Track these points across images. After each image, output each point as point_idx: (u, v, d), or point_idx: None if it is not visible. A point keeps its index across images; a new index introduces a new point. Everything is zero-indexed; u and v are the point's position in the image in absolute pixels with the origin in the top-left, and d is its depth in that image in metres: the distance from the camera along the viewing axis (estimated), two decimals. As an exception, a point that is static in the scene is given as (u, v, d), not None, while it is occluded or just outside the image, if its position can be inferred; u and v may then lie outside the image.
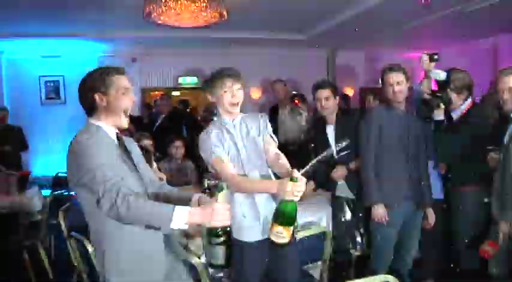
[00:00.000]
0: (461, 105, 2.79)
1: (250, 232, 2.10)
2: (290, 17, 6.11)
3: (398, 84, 2.68)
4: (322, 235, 2.64)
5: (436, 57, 2.81)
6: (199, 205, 1.71)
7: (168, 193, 1.86)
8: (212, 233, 1.57)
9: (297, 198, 1.78)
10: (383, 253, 2.77)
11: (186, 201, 1.73)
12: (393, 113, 2.75)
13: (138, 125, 6.44)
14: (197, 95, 8.88)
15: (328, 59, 8.95)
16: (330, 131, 3.19)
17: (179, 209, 1.49)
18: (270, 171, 2.20)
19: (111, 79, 1.74)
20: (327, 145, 3.11)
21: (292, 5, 5.49)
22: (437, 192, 2.95)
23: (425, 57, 2.83)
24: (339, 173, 3.14)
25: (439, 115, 2.72)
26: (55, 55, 7.72)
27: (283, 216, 1.79)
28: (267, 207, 2.12)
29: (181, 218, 1.48)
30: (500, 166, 2.32)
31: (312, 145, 3.44)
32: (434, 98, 2.72)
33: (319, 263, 2.77)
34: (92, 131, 1.72)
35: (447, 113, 2.78)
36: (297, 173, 1.79)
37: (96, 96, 1.72)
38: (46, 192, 4.93)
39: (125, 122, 1.78)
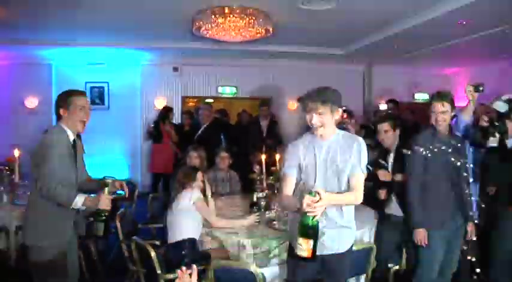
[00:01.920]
0: None
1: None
2: (329, 33, 6.24)
3: (442, 113, 2.79)
4: (366, 250, 2.76)
5: (481, 88, 2.92)
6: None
7: (82, 183, 2.70)
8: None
9: (315, 212, 1.92)
10: (424, 271, 2.90)
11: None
12: (435, 136, 2.86)
13: (180, 133, 6.71)
14: (232, 104, 9.16)
15: (365, 73, 9.02)
16: (390, 159, 3.35)
17: (79, 196, 2.40)
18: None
19: (71, 99, 2.58)
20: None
21: (333, 23, 5.62)
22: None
23: (471, 88, 2.96)
24: (383, 174, 3.27)
25: (493, 142, 2.83)
26: (100, 62, 8.08)
27: (302, 228, 1.96)
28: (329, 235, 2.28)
29: (80, 201, 2.39)
30: None
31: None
32: (492, 127, 2.82)
33: (362, 276, 2.89)
34: (59, 131, 2.57)
35: (501, 140, 2.88)
36: (316, 188, 1.98)
37: (61, 110, 2.59)
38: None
39: (80, 128, 2.62)
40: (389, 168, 3.32)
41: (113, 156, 8.27)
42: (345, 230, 2.34)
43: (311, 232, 1.95)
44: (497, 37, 5.86)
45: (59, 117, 2.61)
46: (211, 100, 8.51)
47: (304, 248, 1.96)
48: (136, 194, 5.19)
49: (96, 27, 5.91)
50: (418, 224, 2.85)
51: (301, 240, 1.96)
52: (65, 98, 2.57)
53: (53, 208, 2.45)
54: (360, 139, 2.28)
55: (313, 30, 5.98)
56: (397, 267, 3.25)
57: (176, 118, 7.73)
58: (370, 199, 3.73)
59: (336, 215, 2.29)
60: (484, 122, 2.82)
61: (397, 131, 3.32)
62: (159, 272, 2.62)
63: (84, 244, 3.85)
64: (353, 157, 2.22)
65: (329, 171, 2.23)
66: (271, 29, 5.08)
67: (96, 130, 8.04)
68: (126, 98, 8.26)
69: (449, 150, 2.82)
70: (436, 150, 2.82)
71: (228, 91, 8.70)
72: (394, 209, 3.28)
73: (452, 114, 2.86)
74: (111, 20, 5.53)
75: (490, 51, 7.00)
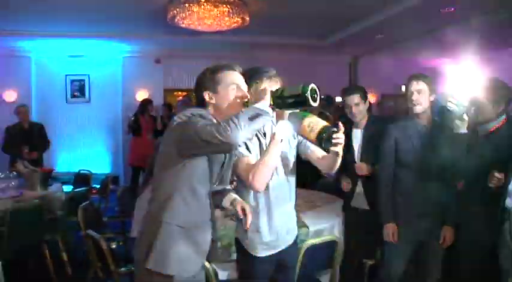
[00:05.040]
0: (492, 122, 2.49)
1: (262, 248, 2.11)
2: (312, 23, 6.13)
3: (418, 94, 2.54)
4: (329, 243, 2.67)
5: None
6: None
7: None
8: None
9: None
10: (391, 268, 2.74)
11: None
12: (411, 126, 2.64)
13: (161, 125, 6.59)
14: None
15: (351, 64, 8.91)
16: (357, 135, 3.11)
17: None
18: (295, 188, 2.22)
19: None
20: (349, 149, 3.06)
21: (314, 12, 5.52)
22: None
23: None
24: (363, 167, 3.00)
25: (461, 127, 2.41)
26: (80, 55, 7.93)
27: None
28: (282, 225, 2.14)
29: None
30: None
31: None
32: (460, 107, 2.40)
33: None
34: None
35: (473, 125, 2.52)
36: None
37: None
38: (68, 188, 5.10)
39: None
40: (356, 149, 3.09)
41: (95, 150, 8.16)
42: (293, 214, 2.26)
43: None
44: (486, 26, 5.77)
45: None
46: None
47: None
48: (111, 188, 5.12)
49: (75, 18, 5.78)
50: (387, 218, 2.68)
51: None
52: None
53: None
54: None
55: (294, 20, 5.88)
56: (372, 262, 3.13)
57: (159, 111, 7.60)
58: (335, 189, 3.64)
59: (287, 195, 2.18)
60: (451, 103, 2.38)
61: (367, 103, 3.08)
62: (112, 266, 2.51)
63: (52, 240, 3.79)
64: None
65: None
66: (247, 18, 4.96)
67: (77, 123, 8.04)
68: (108, 90, 8.12)
69: (428, 138, 2.57)
70: (409, 139, 2.61)
71: (211, 83, 8.51)
72: (360, 202, 3.08)
73: (432, 98, 2.59)
74: (88, 10, 5.41)
75: (480, 42, 6.90)
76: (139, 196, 2.95)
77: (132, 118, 6.81)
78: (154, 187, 1.84)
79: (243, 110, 1.63)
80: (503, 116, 2.51)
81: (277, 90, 1.71)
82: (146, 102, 6.83)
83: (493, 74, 2.61)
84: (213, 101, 1.80)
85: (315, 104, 1.65)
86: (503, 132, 2.47)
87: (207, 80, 1.82)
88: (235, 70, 1.85)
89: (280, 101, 1.68)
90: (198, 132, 1.59)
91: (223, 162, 1.87)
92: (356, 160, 3.09)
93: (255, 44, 7.34)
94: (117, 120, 8.16)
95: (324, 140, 1.70)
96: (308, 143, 2.11)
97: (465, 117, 2.38)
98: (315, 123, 1.73)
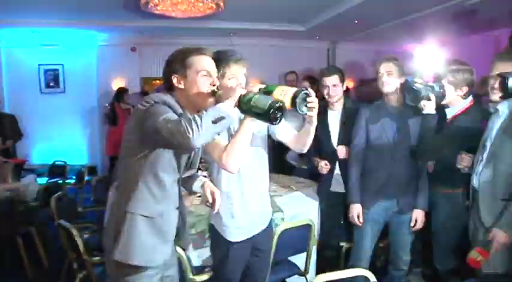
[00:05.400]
0: (458, 104, 2.52)
1: (237, 232, 2.12)
2: (290, 7, 6.09)
3: (387, 75, 2.58)
4: (308, 227, 2.69)
5: None
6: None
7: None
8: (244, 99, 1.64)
9: None
10: (359, 250, 2.77)
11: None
12: (382, 107, 2.68)
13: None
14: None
15: (329, 50, 8.92)
16: (333, 117, 3.11)
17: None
18: (267, 170, 2.22)
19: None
20: (326, 131, 3.08)
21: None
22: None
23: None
24: (344, 150, 3.01)
25: (428, 108, 2.41)
26: (54, 44, 7.73)
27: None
28: (256, 208, 2.15)
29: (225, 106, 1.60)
30: (487, 167, 2.16)
31: None
32: (426, 88, 2.40)
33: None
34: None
35: (441, 109, 2.55)
36: None
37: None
38: (43, 180, 5.02)
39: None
40: (333, 133, 3.10)
41: (72, 141, 8.00)
42: (267, 197, 2.28)
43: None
44: (456, 12, 5.82)
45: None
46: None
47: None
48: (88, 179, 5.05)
49: (46, 6, 5.60)
50: (353, 199, 2.71)
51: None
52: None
53: None
54: None
55: (270, 5, 5.82)
56: (349, 245, 3.15)
57: (136, 99, 7.49)
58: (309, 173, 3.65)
59: (260, 178, 2.19)
60: (417, 84, 2.40)
61: (343, 87, 3.08)
62: (85, 256, 2.48)
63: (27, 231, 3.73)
64: None
65: None
66: (222, 4, 4.89)
67: (52, 114, 7.87)
68: (83, 80, 7.93)
69: (397, 120, 2.59)
70: (378, 120, 2.63)
71: (189, 71, 8.46)
72: (337, 185, 3.09)
73: (402, 80, 2.59)
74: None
75: (455, 26, 6.97)
76: (112, 185, 2.92)
77: (108, 107, 6.71)
78: (118, 175, 1.80)
79: (206, 110, 1.55)
80: (469, 98, 2.54)
81: (246, 95, 1.65)
82: (121, 91, 6.73)
83: (462, 59, 2.61)
84: (181, 86, 1.74)
85: (275, 124, 1.63)
86: (469, 115, 2.49)
87: (177, 62, 1.75)
88: (207, 55, 1.79)
89: (245, 107, 1.64)
90: (158, 129, 1.52)
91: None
92: (333, 143, 3.11)
93: (232, 30, 7.24)
94: (93, 110, 8.01)
95: (298, 103, 1.66)
96: None
97: (432, 97, 2.39)
98: (286, 89, 1.69)
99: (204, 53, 1.77)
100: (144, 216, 1.70)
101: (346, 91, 3.50)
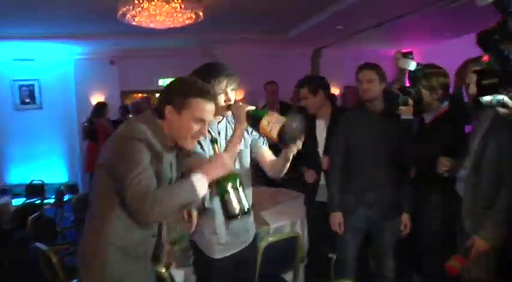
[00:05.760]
0: (436, 107, 2.60)
1: (220, 249, 2.11)
2: (271, 16, 6.15)
3: (368, 82, 2.63)
4: (294, 239, 2.70)
5: (410, 56, 2.67)
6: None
7: None
8: (227, 178, 1.68)
9: None
10: (342, 258, 2.78)
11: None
12: (364, 114, 2.72)
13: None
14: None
15: (313, 58, 9.01)
16: (321, 126, 3.16)
17: (195, 176, 1.57)
18: (250, 183, 2.21)
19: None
20: (312, 140, 3.12)
21: (274, 4, 5.53)
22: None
23: (399, 55, 2.70)
24: (326, 160, 3.04)
25: (406, 114, 2.49)
26: (29, 58, 7.68)
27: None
28: (239, 224, 2.11)
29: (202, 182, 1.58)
30: (471, 173, 2.19)
31: None
32: (403, 92, 2.51)
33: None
34: None
35: (418, 113, 2.62)
36: None
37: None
38: (20, 201, 4.94)
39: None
40: (320, 141, 3.14)
41: (50, 158, 7.94)
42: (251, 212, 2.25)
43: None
44: (437, 16, 5.94)
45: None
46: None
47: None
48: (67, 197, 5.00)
49: (19, 19, 5.56)
50: (333, 207, 2.72)
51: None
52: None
53: None
54: None
55: (252, 14, 5.88)
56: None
57: (116, 114, 7.44)
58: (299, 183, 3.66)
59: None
60: (394, 89, 2.52)
61: (321, 95, 3.12)
62: (63, 279, 2.44)
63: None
64: None
65: None
66: (201, 13, 4.92)
67: (29, 131, 7.79)
68: (60, 95, 7.91)
69: (379, 125, 2.64)
70: (359, 126, 2.68)
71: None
72: (324, 194, 3.03)
73: (383, 86, 2.66)
74: (34, 10, 5.21)
75: (434, 30, 7.11)
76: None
77: (86, 124, 6.64)
78: (91, 201, 1.73)
79: (179, 188, 1.56)
80: (446, 103, 2.60)
81: (257, 112, 1.75)
82: (101, 106, 6.69)
83: (443, 63, 2.68)
84: (170, 119, 1.66)
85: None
86: (447, 119, 2.56)
87: (177, 95, 1.66)
88: (211, 101, 1.70)
89: (252, 122, 1.73)
90: (124, 185, 1.48)
91: (171, 179, 1.78)
92: (320, 152, 3.14)
93: (213, 40, 7.28)
94: (72, 126, 7.94)
95: (284, 139, 1.70)
96: (260, 144, 2.16)
97: (410, 102, 2.47)
98: (274, 120, 1.71)
99: (208, 99, 1.68)
100: (117, 245, 1.66)
101: (332, 98, 3.55)
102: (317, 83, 3.16)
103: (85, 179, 7.50)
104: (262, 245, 2.50)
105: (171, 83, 1.74)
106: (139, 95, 8.73)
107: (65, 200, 4.85)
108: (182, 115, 1.65)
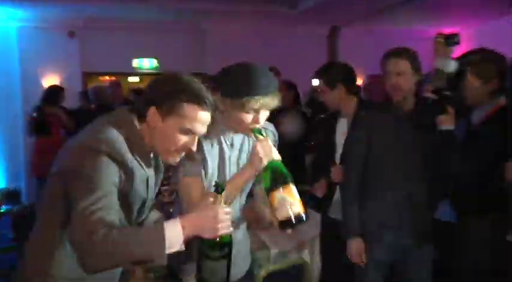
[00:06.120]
0: (487, 103, 2.58)
1: None
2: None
3: (398, 75, 2.54)
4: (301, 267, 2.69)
5: (456, 39, 2.64)
6: None
7: None
8: (212, 243, 1.65)
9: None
10: None
11: None
12: (390, 116, 2.65)
13: (79, 119, 6.40)
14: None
15: (329, 39, 9.05)
16: (342, 126, 3.18)
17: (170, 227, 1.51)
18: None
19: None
20: (330, 144, 3.16)
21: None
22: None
23: (441, 39, 2.67)
24: (336, 170, 3.04)
25: (447, 123, 2.48)
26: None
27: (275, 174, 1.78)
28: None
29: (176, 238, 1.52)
30: None
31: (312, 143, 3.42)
32: (440, 98, 2.49)
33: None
34: None
35: (464, 112, 2.61)
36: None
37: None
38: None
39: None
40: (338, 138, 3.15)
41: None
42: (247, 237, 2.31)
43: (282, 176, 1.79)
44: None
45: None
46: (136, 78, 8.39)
47: (289, 200, 1.74)
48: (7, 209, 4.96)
49: None
50: (351, 231, 2.67)
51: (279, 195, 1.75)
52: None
53: None
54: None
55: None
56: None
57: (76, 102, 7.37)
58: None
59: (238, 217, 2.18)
60: (429, 93, 2.47)
61: (340, 88, 3.11)
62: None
63: None
64: None
65: None
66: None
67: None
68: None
69: (409, 131, 2.57)
70: (384, 132, 2.62)
71: (146, 64, 8.59)
72: (339, 211, 2.99)
73: (416, 79, 2.58)
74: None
75: (495, 2, 7.06)
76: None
77: (34, 114, 6.57)
78: (37, 218, 1.70)
79: (142, 235, 1.52)
80: (501, 97, 2.60)
81: (282, 171, 1.77)
82: (54, 91, 6.63)
83: (496, 46, 2.66)
84: (153, 125, 1.66)
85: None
86: (504, 118, 2.53)
87: (165, 96, 1.64)
88: (206, 111, 1.67)
89: (265, 177, 1.76)
90: (76, 212, 1.46)
91: (145, 200, 1.79)
92: (337, 159, 3.14)
93: (203, 12, 7.31)
94: (15, 117, 7.91)
95: (286, 227, 1.74)
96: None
97: (450, 110, 2.45)
98: (290, 202, 1.71)
99: (204, 107, 1.65)
100: (69, 279, 1.65)
101: (357, 92, 3.55)
102: (335, 74, 3.16)
103: (31, 185, 7.45)
104: (261, 274, 2.47)
105: (160, 78, 1.72)
106: (107, 77, 8.82)
107: (1, 211, 4.79)
108: (167, 121, 1.64)
